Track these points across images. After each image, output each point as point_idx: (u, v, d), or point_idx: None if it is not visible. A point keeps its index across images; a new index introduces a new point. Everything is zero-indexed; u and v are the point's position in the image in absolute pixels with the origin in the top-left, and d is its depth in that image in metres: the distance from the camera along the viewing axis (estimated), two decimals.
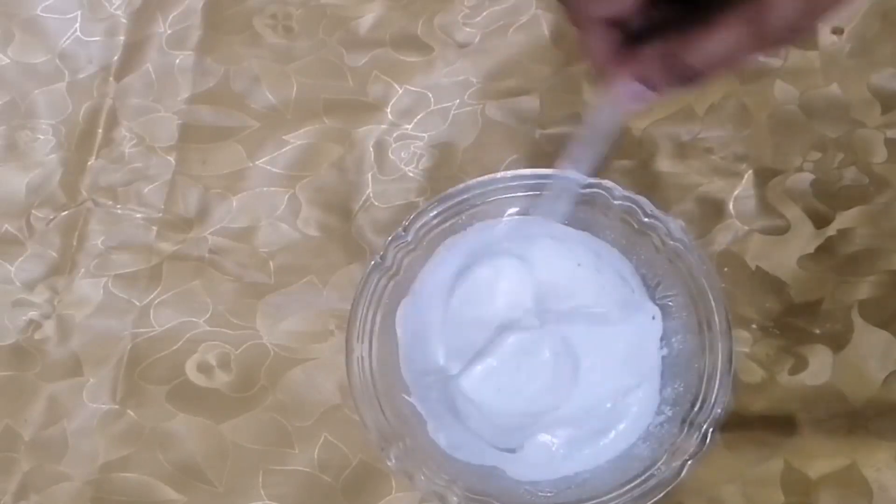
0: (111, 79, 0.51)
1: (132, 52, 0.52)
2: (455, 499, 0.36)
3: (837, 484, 0.39)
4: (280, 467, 0.42)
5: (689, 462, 0.35)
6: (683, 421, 0.37)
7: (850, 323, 0.42)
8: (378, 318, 0.39)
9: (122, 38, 0.52)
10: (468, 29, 0.51)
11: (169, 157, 0.49)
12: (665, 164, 0.46)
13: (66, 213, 0.48)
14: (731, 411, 0.37)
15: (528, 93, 0.48)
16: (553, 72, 0.49)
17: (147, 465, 0.42)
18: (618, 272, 0.41)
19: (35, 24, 0.53)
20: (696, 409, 0.36)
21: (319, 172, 0.48)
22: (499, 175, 0.40)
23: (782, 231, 0.44)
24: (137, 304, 0.46)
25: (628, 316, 0.40)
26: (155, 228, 0.47)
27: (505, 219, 0.41)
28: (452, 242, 0.41)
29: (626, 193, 0.39)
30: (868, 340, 0.41)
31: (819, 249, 0.43)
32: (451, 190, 0.40)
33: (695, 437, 0.35)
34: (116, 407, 0.44)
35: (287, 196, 0.47)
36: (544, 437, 0.38)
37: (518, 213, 0.41)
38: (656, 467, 0.36)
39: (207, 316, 0.45)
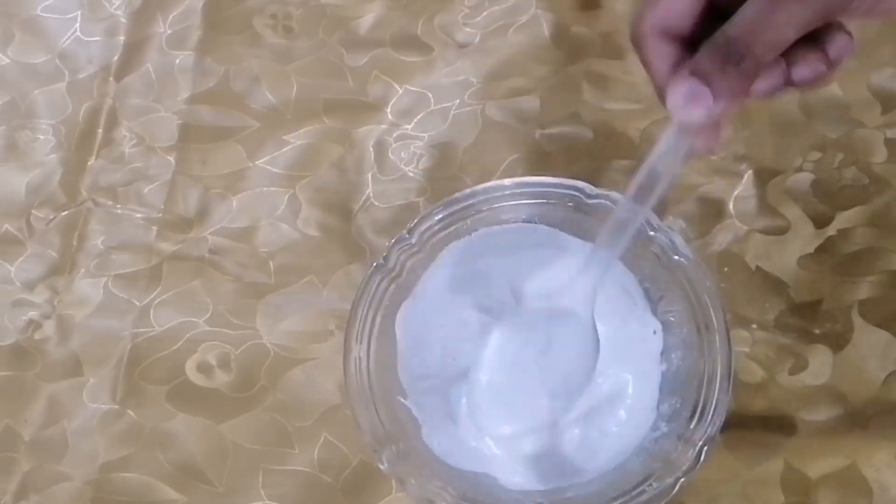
0: (111, 79, 0.51)
1: (132, 52, 0.52)
2: None
3: (837, 484, 0.39)
4: (280, 467, 0.42)
5: (682, 480, 0.35)
6: (679, 437, 0.36)
7: (850, 323, 0.42)
8: (378, 320, 0.39)
9: (122, 38, 0.52)
10: (468, 29, 0.51)
11: (169, 157, 0.49)
12: None
13: (66, 213, 0.48)
14: (732, 411, 0.36)
15: (528, 93, 0.48)
16: (553, 72, 0.49)
17: (147, 465, 0.42)
18: (621, 284, 0.40)
19: (35, 24, 0.53)
20: (692, 426, 0.36)
21: (319, 172, 0.48)
22: (506, 182, 0.40)
23: (782, 231, 0.44)
24: (137, 304, 0.46)
25: (629, 329, 0.40)
26: (155, 228, 0.47)
27: (514, 226, 0.40)
28: (456, 247, 0.41)
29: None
30: (868, 340, 0.41)
31: (819, 249, 0.43)
32: (457, 195, 0.40)
33: (689, 453, 0.35)
34: (116, 407, 0.44)
35: (287, 196, 0.47)
36: (537, 446, 0.38)
37: (543, 224, 0.40)
38: (648, 483, 0.35)
39: (207, 316, 0.45)
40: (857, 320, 0.42)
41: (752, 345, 0.42)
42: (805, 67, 0.27)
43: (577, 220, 0.40)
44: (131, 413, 0.43)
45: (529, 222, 0.41)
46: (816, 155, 0.45)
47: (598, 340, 0.38)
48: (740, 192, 0.45)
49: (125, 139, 0.49)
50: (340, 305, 0.44)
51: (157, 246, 0.47)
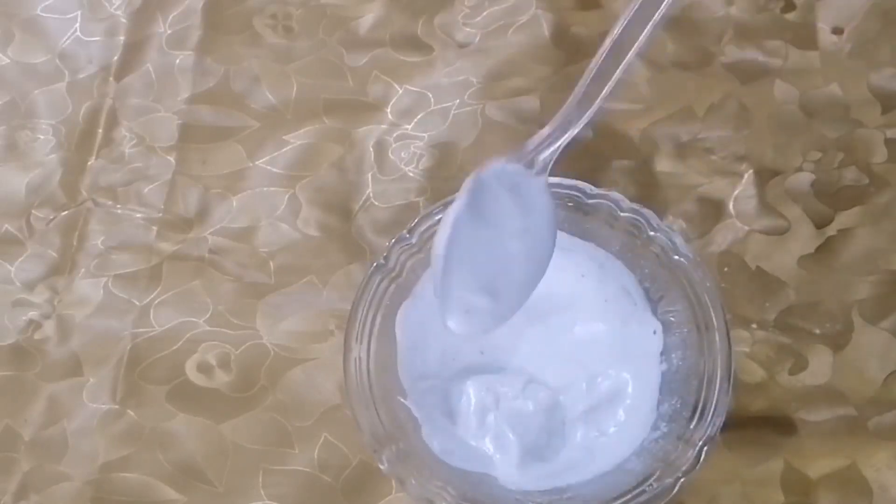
0: (111, 79, 0.51)
1: (132, 52, 0.52)
2: None
3: (837, 484, 0.39)
4: (280, 467, 0.42)
5: (682, 480, 0.35)
6: (679, 437, 0.36)
7: (850, 323, 0.42)
8: (378, 320, 0.39)
9: (122, 38, 0.52)
10: (468, 29, 0.51)
11: (169, 157, 0.49)
12: (665, 165, 0.46)
13: (66, 213, 0.48)
14: (731, 411, 0.36)
15: (528, 93, 0.48)
16: (553, 72, 0.49)
17: (147, 465, 0.42)
18: (621, 284, 0.40)
19: (35, 24, 0.53)
20: (692, 425, 0.36)
21: (319, 172, 0.48)
22: None
23: (782, 231, 0.44)
24: (137, 304, 0.46)
25: (629, 329, 0.40)
26: (155, 228, 0.47)
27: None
28: None
29: (633, 206, 0.38)
30: (868, 340, 0.41)
31: (819, 249, 0.43)
32: None
33: (689, 453, 0.35)
34: (116, 407, 0.44)
35: (287, 196, 0.47)
36: (537, 446, 0.38)
37: None
38: (648, 483, 0.35)
39: (207, 316, 0.45)
40: (857, 320, 0.42)
41: (752, 345, 0.42)
42: None
43: (577, 219, 0.40)
44: (131, 413, 0.43)
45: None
46: (816, 155, 0.45)
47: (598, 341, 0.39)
48: (740, 192, 0.45)
49: (125, 139, 0.49)
50: (340, 305, 0.44)
51: (157, 246, 0.47)
